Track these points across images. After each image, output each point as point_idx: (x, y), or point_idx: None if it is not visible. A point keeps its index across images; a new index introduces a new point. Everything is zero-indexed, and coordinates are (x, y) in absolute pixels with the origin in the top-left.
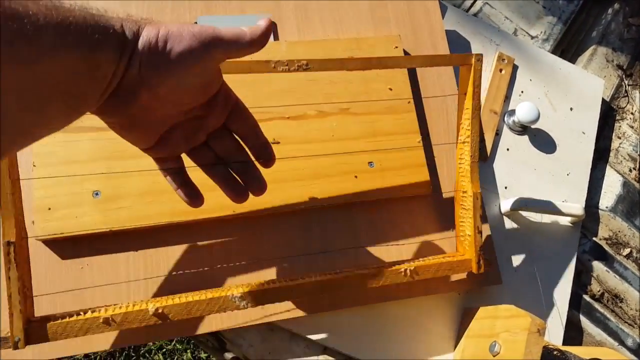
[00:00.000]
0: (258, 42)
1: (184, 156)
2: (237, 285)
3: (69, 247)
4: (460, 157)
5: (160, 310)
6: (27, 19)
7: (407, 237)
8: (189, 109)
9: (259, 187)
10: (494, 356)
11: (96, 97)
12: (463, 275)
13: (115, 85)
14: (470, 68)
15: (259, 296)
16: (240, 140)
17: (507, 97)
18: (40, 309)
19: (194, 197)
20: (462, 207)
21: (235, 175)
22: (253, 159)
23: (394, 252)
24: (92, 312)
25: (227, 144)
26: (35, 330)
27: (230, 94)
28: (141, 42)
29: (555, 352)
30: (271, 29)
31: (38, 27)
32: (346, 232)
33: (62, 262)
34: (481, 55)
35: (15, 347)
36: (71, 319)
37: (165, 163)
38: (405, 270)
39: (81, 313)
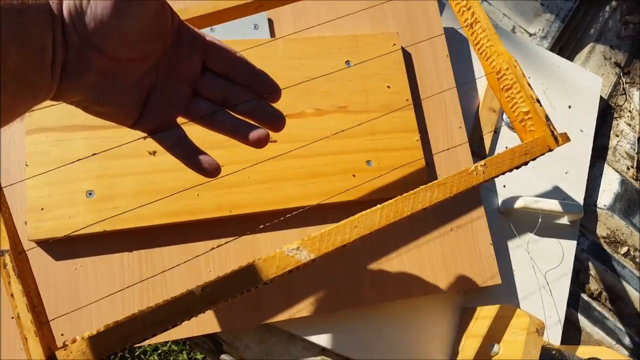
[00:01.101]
0: None
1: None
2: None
3: (62, 248)
4: (476, 40)
5: None
6: None
7: (405, 236)
8: (153, 63)
9: (276, 120)
10: (492, 356)
11: (43, 76)
12: (462, 274)
13: (62, 58)
14: None
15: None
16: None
17: None
18: None
19: (206, 165)
20: (505, 88)
21: (244, 122)
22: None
23: (393, 251)
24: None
25: (218, 86)
26: None
27: (193, 32)
28: (65, 8)
29: (553, 352)
30: None
31: None
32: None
33: (56, 264)
34: None
35: None
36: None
37: (163, 137)
38: (476, 167)
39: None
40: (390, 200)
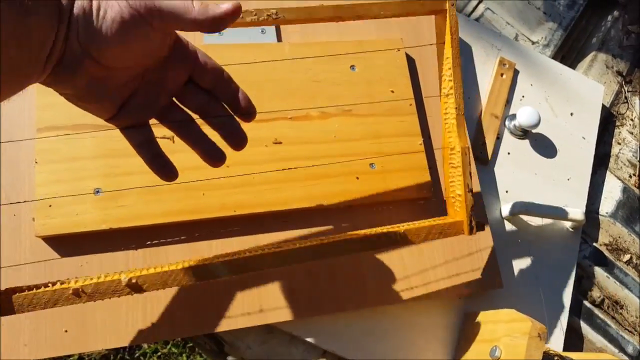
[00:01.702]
0: (206, 24)
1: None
2: (217, 255)
3: (68, 244)
4: (445, 111)
5: (134, 281)
6: None
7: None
8: (143, 73)
9: (238, 139)
10: None
11: (35, 69)
12: (465, 279)
13: (59, 54)
14: (445, 14)
15: (241, 264)
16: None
17: (508, 102)
18: None
19: (167, 171)
20: (451, 166)
21: (208, 138)
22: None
23: (395, 254)
24: (61, 283)
25: (198, 98)
26: (3, 303)
27: (186, 49)
28: (76, 9)
29: (555, 358)
30: (231, 16)
31: None
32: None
33: (62, 260)
34: (455, 1)
35: None
36: (38, 290)
37: (132, 134)
38: (395, 233)
39: (49, 284)
40: (322, 242)
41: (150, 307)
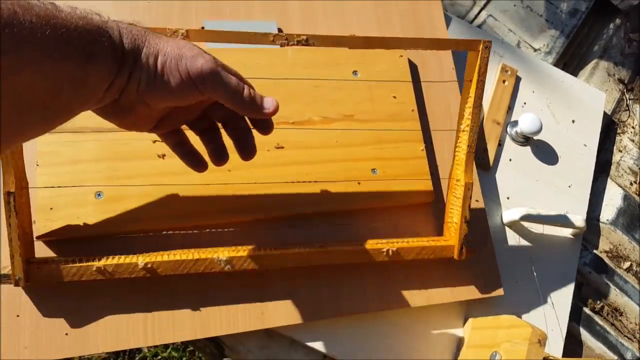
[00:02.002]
0: (248, 109)
1: None
2: (224, 249)
3: (68, 247)
4: (458, 144)
5: (149, 265)
6: (12, 27)
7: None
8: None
9: (250, 151)
10: None
11: (84, 109)
12: (465, 284)
13: (112, 98)
14: (477, 55)
15: (243, 261)
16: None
17: (510, 108)
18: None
19: (197, 164)
20: (454, 195)
21: (220, 140)
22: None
23: (396, 259)
24: (87, 260)
25: (223, 112)
26: (34, 270)
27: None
28: (140, 67)
29: None
30: (271, 113)
31: (22, 37)
32: (347, 238)
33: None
34: (489, 42)
35: (17, 285)
36: (67, 264)
37: (167, 138)
38: (388, 250)
39: (77, 260)
40: (308, 250)
41: (151, 311)
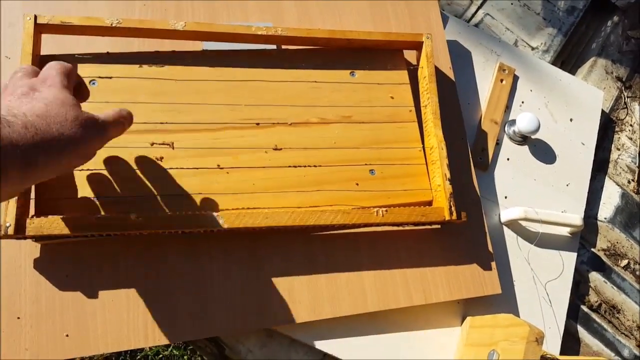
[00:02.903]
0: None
1: None
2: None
3: (68, 250)
4: (425, 119)
5: (140, 218)
6: None
7: (408, 244)
8: None
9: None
10: None
11: None
12: (463, 283)
13: None
14: (421, 46)
15: (237, 218)
16: None
17: (508, 107)
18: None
19: None
20: (431, 163)
21: None
22: None
23: (395, 259)
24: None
25: None
26: (25, 222)
27: None
28: None
29: None
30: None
31: None
32: (346, 239)
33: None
34: (430, 34)
35: (5, 235)
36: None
37: None
38: (378, 210)
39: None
40: (301, 209)
41: (152, 311)
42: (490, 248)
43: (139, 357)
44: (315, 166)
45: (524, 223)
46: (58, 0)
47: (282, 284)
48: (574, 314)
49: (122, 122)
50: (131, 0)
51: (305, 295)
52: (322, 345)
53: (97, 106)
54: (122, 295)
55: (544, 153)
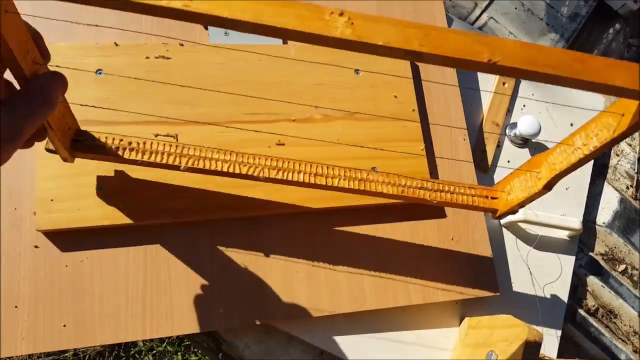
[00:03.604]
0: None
1: None
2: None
3: (69, 239)
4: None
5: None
6: None
7: (407, 243)
8: None
9: None
10: None
11: None
12: (462, 284)
13: None
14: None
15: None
16: None
17: (509, 110)
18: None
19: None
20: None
21: None
22: None
23: (394, 258)
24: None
25: None
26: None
27: None
28: None
29: None
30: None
31: None
32: (348, 235)
33: (62, 255)
34: None
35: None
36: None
37: None
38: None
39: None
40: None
41: (150, 304)
42: (489, 249)
43: (132, 352)
44: (317, 162)
45: (523, 225)
46: None
47: (281, 278)
48: (571, 318)
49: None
50: None
51: (305, 291)
52: (320, 342)
53: (102, 96)
54: (121, 287)
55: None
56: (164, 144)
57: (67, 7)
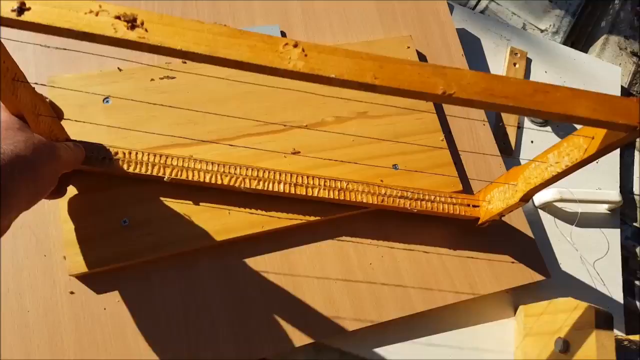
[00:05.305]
0: None
1: None
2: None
3: (103, 279)
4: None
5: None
6: None
7: (445, 239)
8: None
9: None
10: (561, 353)
11: None
12: (509, 271)
13: None
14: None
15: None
16: None
17: None
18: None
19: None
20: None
21: None
22: None
23: (435, 256)
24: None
25: None
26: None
27: None
28: None
29: (625, 343)
30: None
31: None
32: (378, 238)
33: (98, 297)
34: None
35: None
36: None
37: None
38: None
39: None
40: None
41: (193, 337)
42: (530, 232)
43: None
44: (336, 166)
45: (559, 204)
46: None
47: (320, 295)
48: (630, 291)
49: (69, 148)
50: (137, 0)
51: (347, 303)
52: (372, 354)
53: (113, 124)
54: (162, 320)
55: (567, 133)
56: (148, 154)
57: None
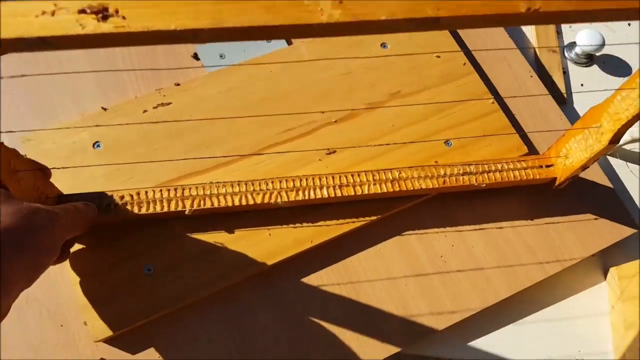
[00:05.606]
0: None
1: None
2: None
3: (135, 337)
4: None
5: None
6: None
7: (520, 210)
8: None
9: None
10: None
11: None
12: (595, 232)
13: None
14: None
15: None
16: None
17: (559, 33)
18: None
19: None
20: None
21: None
22: None
23: (511, 232)
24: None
25: None
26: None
27: None
28: None
29: None
30: None
31: None
32: (442, 225)
33: (134, 358)
34: None
35: None
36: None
37: None
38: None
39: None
40: None
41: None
42: (608, 182)
43: None
44: (381, 157)
45: (628, 147)
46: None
47: (390, 300)
48: None
49: (74, 209)
50: None
51: (422, 304)
52: (463, 353)
53: (110, 169)
54: None
55: (616, 67)
56: (161, 190)
57: (38, 81)
